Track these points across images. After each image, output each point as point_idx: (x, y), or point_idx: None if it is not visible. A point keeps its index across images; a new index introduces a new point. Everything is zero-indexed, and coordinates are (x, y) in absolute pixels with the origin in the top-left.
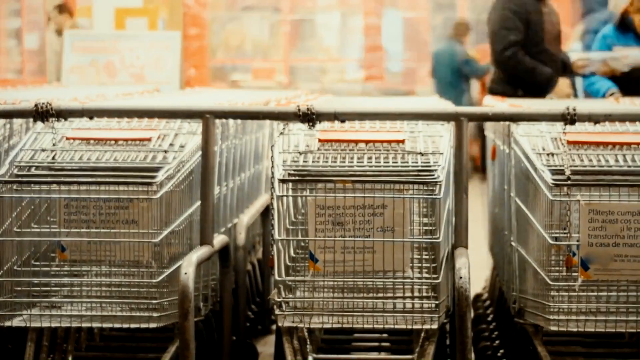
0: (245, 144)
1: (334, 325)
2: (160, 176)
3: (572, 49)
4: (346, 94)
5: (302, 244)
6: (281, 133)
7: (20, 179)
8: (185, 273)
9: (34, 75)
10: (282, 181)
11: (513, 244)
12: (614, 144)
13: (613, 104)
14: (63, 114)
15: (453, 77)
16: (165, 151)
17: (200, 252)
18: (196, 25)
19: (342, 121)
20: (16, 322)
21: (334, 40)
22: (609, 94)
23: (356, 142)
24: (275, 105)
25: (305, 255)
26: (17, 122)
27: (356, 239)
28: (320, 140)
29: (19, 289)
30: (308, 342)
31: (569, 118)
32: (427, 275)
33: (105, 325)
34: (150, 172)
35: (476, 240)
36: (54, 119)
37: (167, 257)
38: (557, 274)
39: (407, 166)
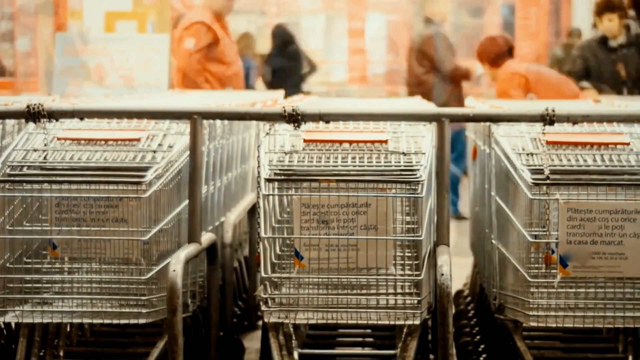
0: (232, 144)
1: (319, 321)
2: (149, 175)
3: None
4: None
5: (288, 241)
6: (267, 133)
7: (12, 178)
8: (174, 270)
9: (26, 77)
10: (268, 180)
11: (493, 241)
12: (592, 144)
13: (591, 105)
14: (54, 115)
15: None
16: (154, 151)
17: (188, 250)
18: None
19: (327, 122)
20: (8, 318)
21: (319, 43)
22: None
23: (340, 142)
24: (262, 106)
25: (291, 252)
26: (10, 122)
27: (340, 236)
28: (305, 141)
29: (11, 285)
30: (293, 338)
31: (548, 119)
32: (409, 273)
33: (95, 321)
34: (139, 171)
35: (458, 237)
36: (45, 120)
37: (155, 254)
38: (537, 271)
39: (390, 166)
